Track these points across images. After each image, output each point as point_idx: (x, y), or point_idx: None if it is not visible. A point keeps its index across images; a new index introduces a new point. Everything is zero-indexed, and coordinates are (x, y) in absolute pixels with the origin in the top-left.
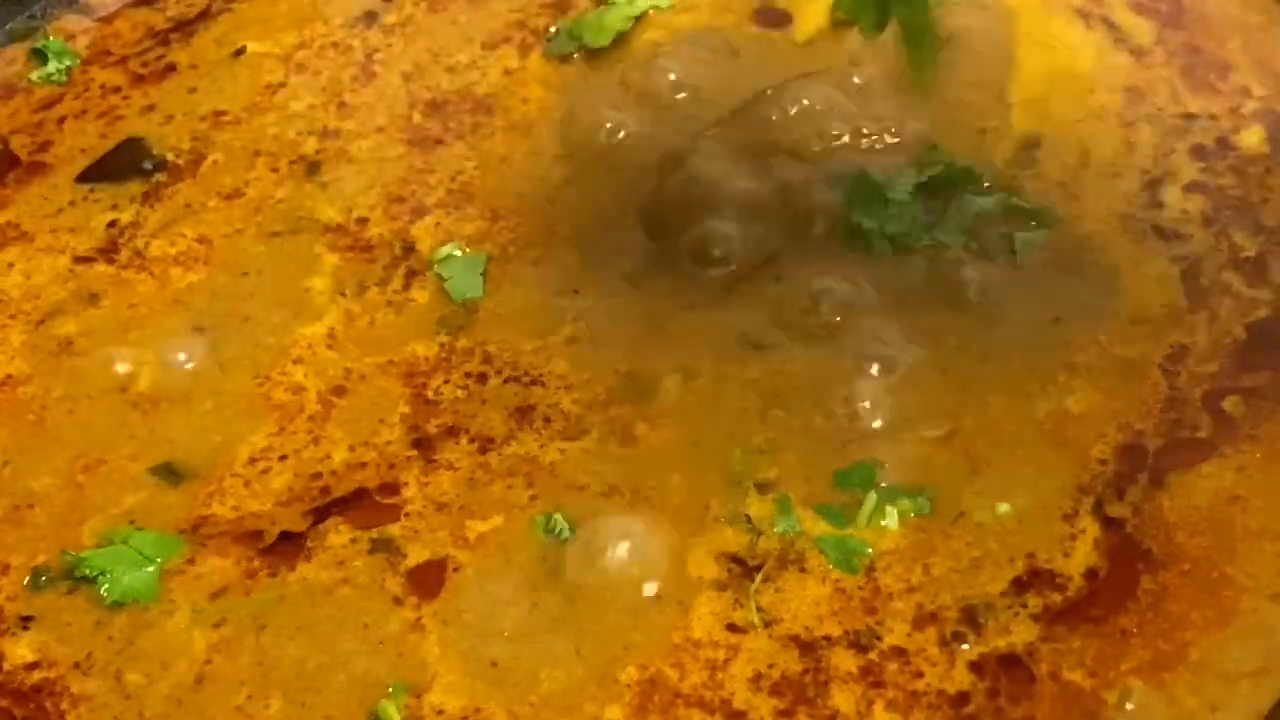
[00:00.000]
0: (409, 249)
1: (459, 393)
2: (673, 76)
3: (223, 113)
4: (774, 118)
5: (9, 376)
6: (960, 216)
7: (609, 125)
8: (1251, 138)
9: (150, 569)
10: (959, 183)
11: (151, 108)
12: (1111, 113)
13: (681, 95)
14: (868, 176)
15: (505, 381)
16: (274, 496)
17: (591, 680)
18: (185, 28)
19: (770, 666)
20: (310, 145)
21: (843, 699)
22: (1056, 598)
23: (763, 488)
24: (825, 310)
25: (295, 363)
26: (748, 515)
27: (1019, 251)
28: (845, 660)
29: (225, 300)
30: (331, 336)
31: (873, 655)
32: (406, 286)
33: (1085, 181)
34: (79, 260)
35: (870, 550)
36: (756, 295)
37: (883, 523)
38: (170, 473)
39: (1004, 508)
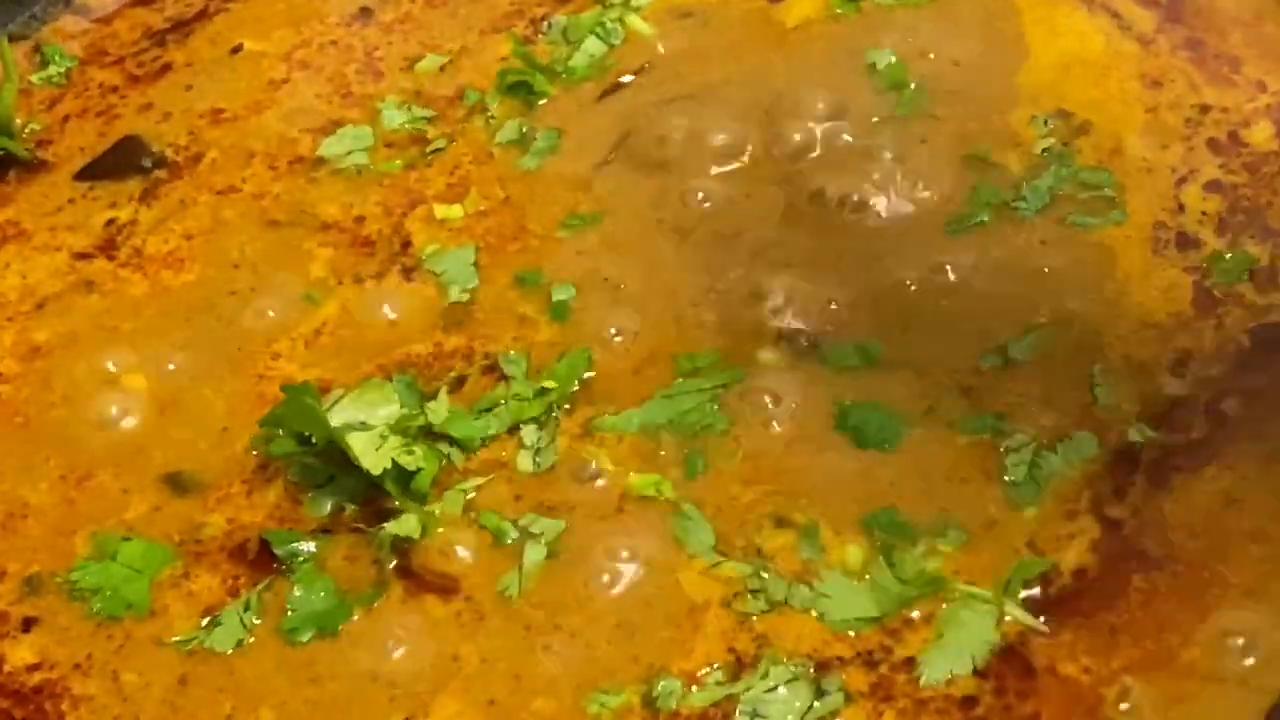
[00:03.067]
0: (406, 244)
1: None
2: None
3: (220, 110)
4: None
5: None
6: (1050, 182)
7: None
8: (1260, 134)
9: (141, 582)
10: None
11: (149, 106)
12: (1133, 98)
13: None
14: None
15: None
16: (268, 509)
17: (594, 702)
18: (182, 28)
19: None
20: (308, 142)
21: (851, 713)
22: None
23: (780, 521)
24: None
25: (276, 358)
26: (759, 548)
27: (1072, 226)
28: (857, 679)
29: (223, 297)
30: (327, 333)
31: (884, 669)
32: (408, 279)
33: (1125, 170)
34: (77, 257)
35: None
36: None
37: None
38: (177, 482)
39: (1031, 511)
